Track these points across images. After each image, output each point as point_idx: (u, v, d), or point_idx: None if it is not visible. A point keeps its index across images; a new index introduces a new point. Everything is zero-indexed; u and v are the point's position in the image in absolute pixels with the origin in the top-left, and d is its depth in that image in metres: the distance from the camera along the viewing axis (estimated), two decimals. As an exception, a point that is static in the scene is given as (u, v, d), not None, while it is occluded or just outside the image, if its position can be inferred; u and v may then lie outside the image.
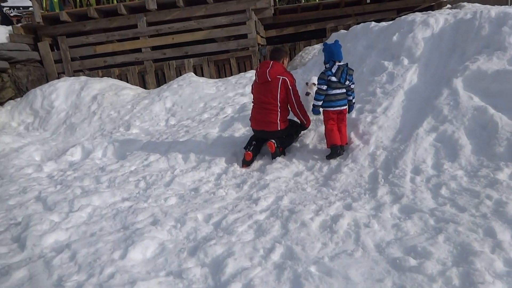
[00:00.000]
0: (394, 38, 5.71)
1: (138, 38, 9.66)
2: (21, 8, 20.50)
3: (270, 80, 4.50)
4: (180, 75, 9.16)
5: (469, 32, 5.00)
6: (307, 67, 7.41)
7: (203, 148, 5.18)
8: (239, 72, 9.42)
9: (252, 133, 4.95)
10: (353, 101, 4.53)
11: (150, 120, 6.88)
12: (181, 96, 7.50)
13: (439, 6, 12.83)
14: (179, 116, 6.90)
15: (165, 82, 9.20)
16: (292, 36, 12.97)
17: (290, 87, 4.54)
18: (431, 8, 12.96)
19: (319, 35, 12.93)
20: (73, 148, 5.90)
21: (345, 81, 4.27)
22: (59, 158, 5.73)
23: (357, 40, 6.64)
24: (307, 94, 5.13)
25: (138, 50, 9.74)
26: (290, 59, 12.74)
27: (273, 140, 4.54)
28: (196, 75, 9.25)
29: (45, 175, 5.21)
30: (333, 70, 4.22)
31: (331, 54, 4.28)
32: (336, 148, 4.26)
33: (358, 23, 12.76)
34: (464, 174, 3.47)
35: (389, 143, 4.23)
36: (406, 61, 5.31)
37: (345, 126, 4.45)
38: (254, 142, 4.76)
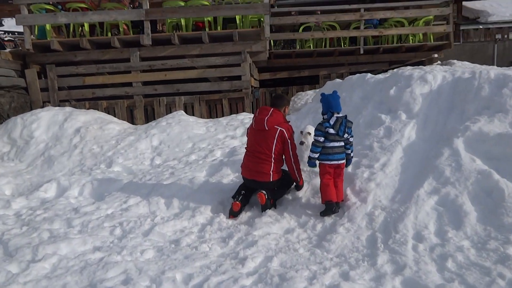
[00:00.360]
0: (391, 92, 5.61)
1: (129, 72, 9.48)
2: (16, 33, 20.39)
3: (267, 129, 4.26)
4: (170, 112, 8.92)
5: (468, 91, 4.92)
6: (300, 114, 7.25)
7: (188, 193, 4.84)
8: (231, 113, 9.23)
9: (242, 181, 4.64)
10: (351, 155, 4.31)
11: (135, 158, 6.54)
12: (169, 134, 7.21)
13: (430, 61, 13.11)
14: (165, 156, 6.57)
15: (154, 119, 8.94)
16: (285, 81, 13.04)
17: (288, 140, 4.30)
18: (422, 63, 13.25)
19: (312, 81, 13.02)
20: (48, 184, 5.48)
21: (343, 134, 4.05)
22: (31, 193, 5.29)
23: (352, 91, 6.55)
24: (301, 143, 4.90)
25: (129, 84, 9.53)
26: (282, 102, 12.82)
27: (264, 191, 4.24)
28: (187, 113, 9.02)
29: (12, 212, 4.77)
30: (331, 122, 4.02)
31: (329, 105, 4.09)
32: (332, 205, 3.98)
33: (351, 72, 13.05)
34: (470, 245, 3.20)
35: (388, 203, 3.97)
36: (404, 116, 5.16)
37: (342, 182, 4.19)
38: (243, 192, 4.45)
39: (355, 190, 4.24)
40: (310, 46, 12.34)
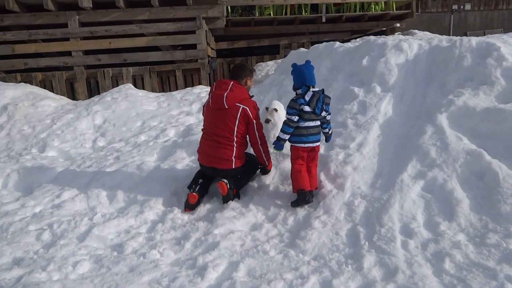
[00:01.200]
0: (364, 62, 5.07)
1: (68, 39, 8.31)
2: None
3: (227, 107, 3.58)
4: (117, 85, 7.96)
5: (448, 61, 4.47)
6: (263, 87, 6.59)
7: (136, 182, 4.11)
8: (186, 86, 8.40)
9: (199, 166, 3.97)
10: (330, 132, 3.72)
11: (73, 139, 5.64)
12: (115, 111, 6.33)
13: (392, 31, 12.79)
14: (110, 137, 5.73)
15: (99, 93, 7.94)
16: (244, 50, 12.26)
17: (253, 120, 3.64)
18: (383, 32, 12.91)
19: (272, 51, 12.35)
20: (-38, 175, 4.53)
21: (320, 112, 3.45)
22: None
23: (319, 61, 5.95)
24: (267, 121, 4.28)
25: (68, 53, 8.38)
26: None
27: (225, 180, 3.60)
28: (136, 86, 8.10)
29: None
30: (307, 98, 3.40)
31: (303, 77, 3.46)
32: (305, 195, 3.42)
33: (312, 42, 12.47)
34: (467, 239, 2.76)
35: (368, 189, 3.46)
36: (378, 89, 4.66)
37: (316, 167, 3.63)
38: (200, 181, 3.79)
39: (330, 175, 3.71)
40: (270, 13, 11.57)
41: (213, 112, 3.67)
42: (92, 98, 7.08)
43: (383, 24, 12.49)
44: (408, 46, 4.97)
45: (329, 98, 3.53)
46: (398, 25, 12.61)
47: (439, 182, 3.27)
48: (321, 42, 12.49)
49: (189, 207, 3.66)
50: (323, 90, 3.49)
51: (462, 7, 18.24)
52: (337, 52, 5.85)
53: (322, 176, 3.71)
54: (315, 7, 11.96)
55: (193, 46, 8.51)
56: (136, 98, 6.77)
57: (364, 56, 5.19)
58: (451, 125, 3.79)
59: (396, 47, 5.02)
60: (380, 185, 3.47)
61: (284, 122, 3.47)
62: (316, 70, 5.77)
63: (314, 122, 3.46)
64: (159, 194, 3.86)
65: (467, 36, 16.43)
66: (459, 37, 5.06)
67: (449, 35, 15.13)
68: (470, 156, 3.38)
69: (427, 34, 12.45)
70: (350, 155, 3.84)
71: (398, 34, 12.55)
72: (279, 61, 10.71)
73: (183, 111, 6.48)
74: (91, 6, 7.94)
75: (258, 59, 11.79)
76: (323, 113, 3.46)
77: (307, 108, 3.38)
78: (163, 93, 7.68)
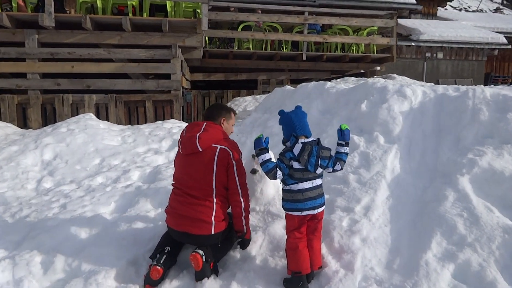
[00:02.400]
0: (363, 107, 4.48)
1: (23, 59, 7.37)
2: None
3: (201, 150, 2.81)
4: (78, 114, 7.03)
5: (461, 113, 3.93)
6: (244, 126, 5.88)
7: (83, 244, 3.20)
8: (156, 119, 7.57)
9: (166, 227, 3.11)
10: (340, 168, 2.87)
11: (13, 178, 4.64)
12: (69, 145, 5.39)
13: (371, 74, 12.62)
14: (59, 176, 4.77)
15: (55, 121, 6.96)
16: (220, 83, 11.65)
17: (232, 162, 2.87)
18: (363, 75, 12.73)
19: (249, 86, 11.82)
20: None
21: (315, 168, 2.71)
22: None
23: (309, 102, 5.34)
24: (253, 172, 3.53)
25: (22, 75, 7.41)
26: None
27: (200, 251, 2.76)
28: (99, 117, 7.22)
29: None
30: (295, 152, 2.68)
31: (292, 126, 2.75)
32: (300, 279, 2.63)
33: (292, 80, 12.10)
34: None
35: (384, 272, 2.72)
36: (382, 139, 4.04)
37: (319, 239, 2.86)
38: (167, 248, 2.92)
39: (334, 248, 2.95)
40: (249, 47, 11.11)
41: (184, 159, 2.88)
42: (44, 128, 6.11)
43: (363, 66, 12.31)
44: (412, 93, 4.43)
45: (328, 149, 2.80)
46: (378, 68, 12.46)
47: (474, 268, 2.58)
48: (301, 80, 12.25)
49: (151, 283, 2.78)
50: (318, 140, 2.77)
51: (434, 55, 18.68)
52: (330, 93, 5.26)
53: (324, 249, 2.94)
54: (295, 44, 11.65)
55: (167, 76, 7.76)
56: (97, 130, 5.86)
57: (362, 100, 4.61)
58: (476, 191, 3.16)
59: (398, 92, 4.47)
60: (398, 266, 2.74)
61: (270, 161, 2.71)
62: (307, 112, 5.18)
63: (311, 182, 2.71)
64: (112, 263, 2.95)
65: (439, 83, 16.67)
66: (470, 86, 4.58)
67: (423, 81, 15.22)
68: (509, 236, 2.73)
69: (406, 79, 12.36)
70: (357, 222, 3.11)
71: (377, 77, 12.38)
72: (258, 96, 10.14)
73: (151, 149, 5.63)
74: (53, 25, 7.09)
75: (235, 93, 11.19)
76: (319, 170, 2.72)
77: (296, 165, 2.65)
78: (130, 126, 6.80)
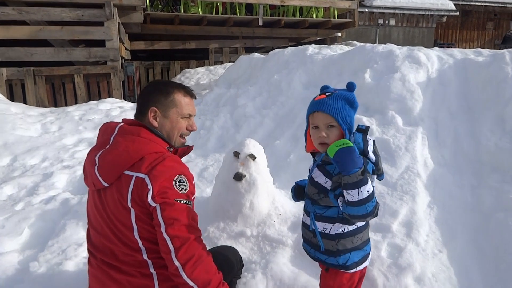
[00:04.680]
0: (367, 78, 3.45)
1: None
2: None
3: (106, 184, 1.48)
4: (-18, 93, 5.37)
5: (499, 84, 3.03)
6: (205, 105, 4.63)
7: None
8: (90, 99, 6.04)
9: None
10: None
11: None
12: (-37, 139, 3.87)
13: (332, 41, 11.69)
14: None
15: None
16: (165, 53, 10.16)
17: (153, 202, 1.40)
18: (323, 42, 11.79)
19: (199, 56, 10.45)
20: None
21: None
22: None
23: (288, 73, 4.23)
24: (238, 177, 2.42)
25: None
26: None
27: None
28: (13, 97, 5.60)
29: None
30: (372, 158, 1.48)
31: (353, 108, 1.50)
32: None
33: (247, 48, 10.87)
34: None
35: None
36: (400, 121, 3.07)
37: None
38: None
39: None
40: (197, 11, 9.66)
41: (92, 199, 1.58)
42: None
43: (323, 32, 11.35)
44: (427, 58, 3.48)
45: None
46: (339, 34, 11.56)
47: None
48: (257, 48, 11.05)
49: None
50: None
51: (387, 22, 18.24)
52: (315, 62, 4.17)
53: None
54: (250, 8, 10.38)
55: (101, 43, 6.20)
56: (5, 116, 4.34)
57: (363, 69, 3.58)
58: (554, 192, 2.28)
59: (409, 58, 3.49)
60: (485, 324, 1.80)
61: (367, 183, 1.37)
62: (287, 86, 4.06)
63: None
64: None
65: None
66: (498, 50, 3.70)
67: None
68: None
69: (367, 45, 11.61)
70: (402, 249, 2.11)
71: (339, 44, 11.51)
72: (212, 68, 8.83)
73: (83, 140, 4.25)
74: None
75: (183, 64, 9.76)
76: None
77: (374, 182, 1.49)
78: (54, 108, 5.28)
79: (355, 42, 11.90)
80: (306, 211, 1.60)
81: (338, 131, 1.42)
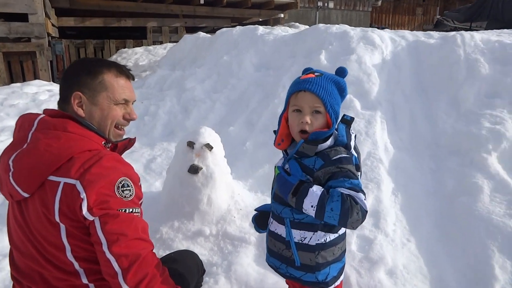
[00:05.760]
0: (323, 59, 3.32)
1: None
2: None
3: (25, 195, 1.14)
4: None
5: (451, 66, 3.03)
6: (148, 87, 4.24)
7: None
8: (12, 81, 5.34)
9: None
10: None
11: None
12: None
13: (275, 22, 11.53)
14: None
15: None
16: (98, 31, 9.37)
17: (90, 215, 1.08)
18: (266, 22, 11.59)
19: (136, 36, 9.81)
20: None
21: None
22: None
23: (238, 54, 3.99)
24: (194, 170, 2.18)
25: None
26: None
27: None
28: None
29: None
30: (355, 152, 1.27)
31: (341, 96, 1.26)
32: None
33: (187, 28, 10.36)
34: None
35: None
36: (358, 104, 2.97)
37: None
38: None
39: (353, 293, 1.82)
40: (133, -15, 8.98)
41: (12, 213, 1.25)
42: None
43: (265, 13, 11.17)
44: (381, 40, 3.42)
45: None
46: (281, 15, 11.43)
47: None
48: (198, 28, 10.59)
49: None
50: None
51: (326, 4, 18.44)
52: (266, 42, 3.96)
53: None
54: (190, -15, 9.87)
55: (23, 17, 5.47)
56: None
57: (318, 50, 3.44)
58: (510, 174, 2.31)
59: (364, 39, 3.41)
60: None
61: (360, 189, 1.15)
62: (237, 67, 3.82)
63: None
64: None
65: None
66: (448, 33, 3.72)
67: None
68: None
69: (307, 27, 11.63)
70: (372, 241, 2.02)
71: (281, 25, 11.40)
72: (151, 48, 8.32)
73: (5, 128, 3.70)
74: None
75: (119, 43, 9.10)
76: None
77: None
78: (-33, 92, 4.58)
79: (297, 24, 11.87)
80: (278, 217, 1.29)
81: (323, 119, 1.18)
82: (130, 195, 1.15)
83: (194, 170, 2.19)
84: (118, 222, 1.10)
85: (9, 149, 1.20)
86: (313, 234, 1.22)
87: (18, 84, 4.77)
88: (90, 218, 1.08)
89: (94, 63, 1.27)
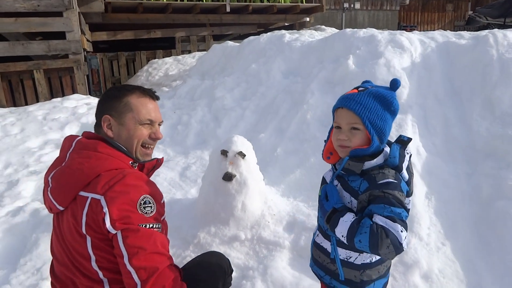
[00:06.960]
0: (351, 64, 3.33)
1: None
2: None
3: (61, 208, 1.31)
4: None
5: (485, 67, 2.98)
6: (179, 98, 4.37)
7: None
8: (52, 96, 5.65)
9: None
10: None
11: None
12: None
13: (301, 26, 11.57)
14: None
15: None
16: (129, 44, 9.72)
17: (112, 229, 1.20)
18: (292, 27, 11.65)
19: (166, 46, 10.09)
20: None
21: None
22: None
23: (266, 62, 4.06)
24: (228, 178, 2.25)
25: None
26: (129, 73, 9.41)
27: None
28: (-37, 96, 5.12)
29: None
30: (404, 177, 1.21)
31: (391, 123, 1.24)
32: None
33: (214, 35, 10.56)
34: None
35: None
36: (387, 109, 2.96)
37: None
38: None
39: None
40: (161, -3, 9.23)
41: (53, 225, 1.41)
42: None
43: (291, 17, 11.20)
44: (409, 42, 3.40)
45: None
46: (307, 19, 11.44)
47: None
48: (225, 35, 10.77)
49: None
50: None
51: (352, 5, 18.30)
52: (293, 49, 4.02)
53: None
54: (216, -6, 10.05)
55: (60, 36, 5.77)
56: (-41, 120, 3.95)
57: (346, 55, 3.46)
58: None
59: (393, 42, 3.40)
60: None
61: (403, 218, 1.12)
62: (266, 75, 3.89)
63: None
64: None
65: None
66: (484, 31, 3.66)
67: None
68: None
69: (335, 30, 11.58)
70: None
71: (307, 29, 11.42)
72: (180, 57, 8.51)
73: (49, 141, 3.93)
74: None
75: (149, 54, 9.39)
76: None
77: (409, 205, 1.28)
78: (13, 108, 4.88)
79: (323, 26, 11.83)
80: (324, 233, 1.31)
81: (363, 135, 1.17)
82: (151, 211, 1.26)
83: (228, 177, 2.28)
84: (138, 237, 1.20)
85: (51, 168, 1.38)
86: (359, 255, 1.25)
87: (58, 99, 5.03)
88: (113, 231, 1.19)
89: (120, 88, 1.43)
